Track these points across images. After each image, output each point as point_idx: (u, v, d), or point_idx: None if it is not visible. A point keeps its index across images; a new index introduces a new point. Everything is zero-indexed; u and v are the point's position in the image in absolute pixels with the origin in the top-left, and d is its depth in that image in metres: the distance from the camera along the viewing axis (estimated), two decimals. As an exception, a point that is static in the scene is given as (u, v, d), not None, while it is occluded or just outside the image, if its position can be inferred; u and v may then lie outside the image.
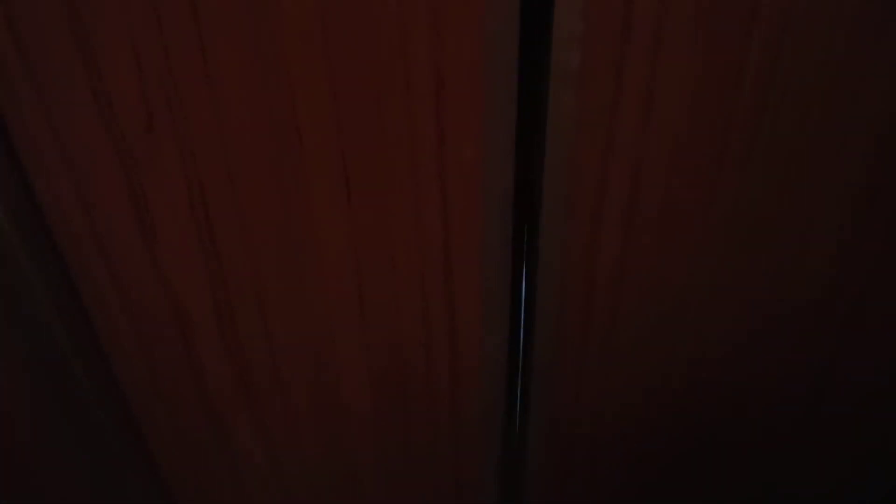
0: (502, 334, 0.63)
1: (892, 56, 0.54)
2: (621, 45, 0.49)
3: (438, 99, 0.48)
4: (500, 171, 0.52)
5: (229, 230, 0.53)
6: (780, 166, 0.57)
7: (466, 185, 0.52)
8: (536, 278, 0.59)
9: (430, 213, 0.53)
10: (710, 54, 0.50)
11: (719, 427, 0.78)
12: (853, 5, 0.51)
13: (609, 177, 0.54)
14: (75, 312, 0.57)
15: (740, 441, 0.79)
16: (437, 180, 0.52)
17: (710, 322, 0.67)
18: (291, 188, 0.51)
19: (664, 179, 0.56)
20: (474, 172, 0.52)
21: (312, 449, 0.71)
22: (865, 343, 0.72)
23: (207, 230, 0.52)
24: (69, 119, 0.48)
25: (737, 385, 0.73)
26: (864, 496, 0.86)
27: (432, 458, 0.73)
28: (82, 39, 0.44)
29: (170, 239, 0.53)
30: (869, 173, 0.60)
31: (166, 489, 0.74)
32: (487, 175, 0.52)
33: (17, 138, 0.49)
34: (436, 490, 0.77)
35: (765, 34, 0.50)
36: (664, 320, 0.66)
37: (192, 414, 0.66)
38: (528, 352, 0.66)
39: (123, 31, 0.44)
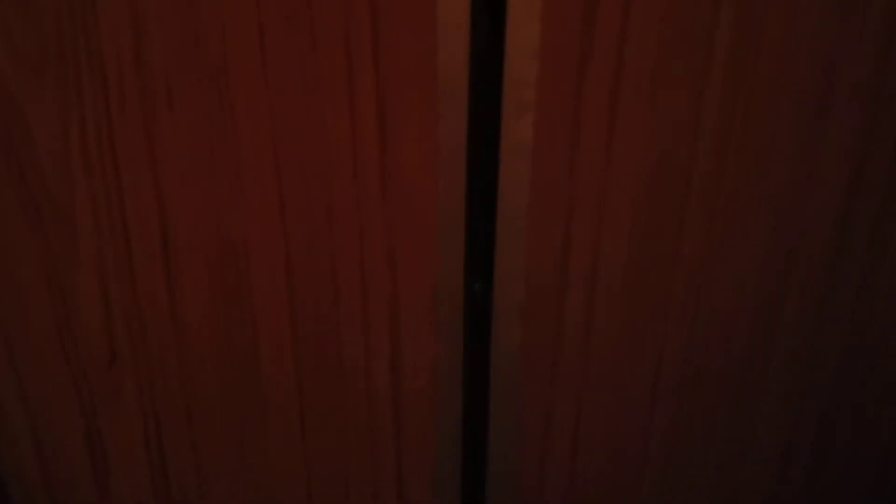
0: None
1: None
2: (562, 282, 0.53)
3: (392, 329, 0.51)
4: (450, 399, 0.55)
5: (183, 466, 0.53)
6: (711, 392, 0.61)
7: (419, 413, 0.54)
8: (486, 501, 0.60)
9: (383, 440, 0.55)
10: (639, 294, 0.55)
11: None
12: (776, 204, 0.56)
13: (554, 405, 0.57)
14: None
15: None
16: (391, 408, 0.54)
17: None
18: (247, 422, 0.52)
19: (605, 406, 0.59)
20: (426, 400, 0.54)
21: None
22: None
23: (161, 468, 0.52)
24: (30, 353, 0.49)
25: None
26: None
27: None
28: (53, 280, 0.47)
29: (122, 478, 0.52)
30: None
31: None
32: (438, 402, 0.54)
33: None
34: None
35: (687, 268, 0.56)
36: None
37: None
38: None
39: (94, 273, 0.47)
